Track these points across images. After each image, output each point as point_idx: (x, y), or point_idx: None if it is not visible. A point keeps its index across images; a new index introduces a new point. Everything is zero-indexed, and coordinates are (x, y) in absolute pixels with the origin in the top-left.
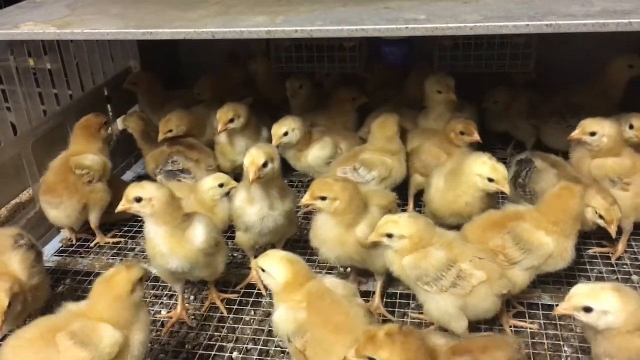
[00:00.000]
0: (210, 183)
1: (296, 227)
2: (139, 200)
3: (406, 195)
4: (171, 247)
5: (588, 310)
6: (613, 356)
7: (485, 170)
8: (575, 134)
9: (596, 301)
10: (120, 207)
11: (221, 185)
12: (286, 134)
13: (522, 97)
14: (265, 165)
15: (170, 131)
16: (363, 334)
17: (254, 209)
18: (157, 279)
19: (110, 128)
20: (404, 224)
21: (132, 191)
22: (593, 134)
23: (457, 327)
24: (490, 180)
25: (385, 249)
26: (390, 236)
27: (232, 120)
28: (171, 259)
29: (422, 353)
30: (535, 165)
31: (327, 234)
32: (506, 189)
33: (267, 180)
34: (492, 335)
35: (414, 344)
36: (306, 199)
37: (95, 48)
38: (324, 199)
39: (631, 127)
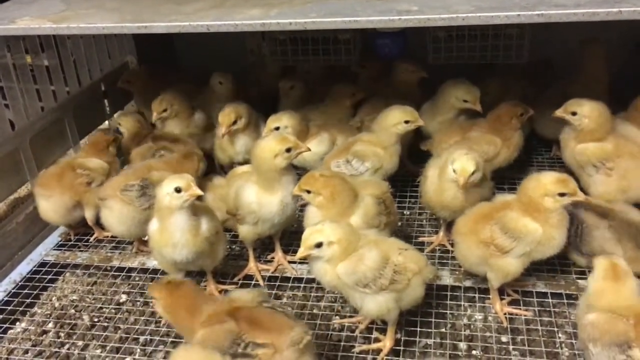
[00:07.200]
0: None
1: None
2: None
3: (399, 185)
4: (186, 237)
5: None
6: (596, 339)
7: (452, 162)
8: (559, 111)
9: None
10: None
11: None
12: (277, 128)
13: (514, 88)
14: None
15: (165, 110)
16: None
17: (275, 198)
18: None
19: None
20: (329, 231)
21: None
22: (574, 114)
23: (393, 316)
24: (454, 171)
25: (314, 261)
26: (319, 245)
27: (234, 122)
28: (181, 249)
29: (187, 300)
30: (585, 223)
31: None
32: (460, 181)
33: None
34: (285, 317)
35: (181, 292)
36: (295, 190)
37: (91, 43)
38: (309, 192)
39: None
